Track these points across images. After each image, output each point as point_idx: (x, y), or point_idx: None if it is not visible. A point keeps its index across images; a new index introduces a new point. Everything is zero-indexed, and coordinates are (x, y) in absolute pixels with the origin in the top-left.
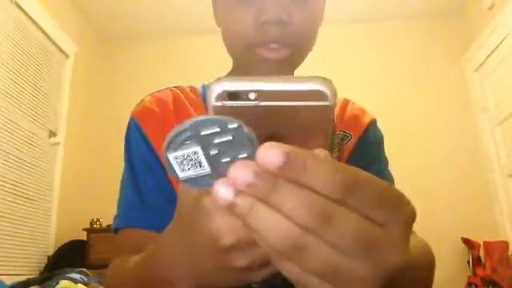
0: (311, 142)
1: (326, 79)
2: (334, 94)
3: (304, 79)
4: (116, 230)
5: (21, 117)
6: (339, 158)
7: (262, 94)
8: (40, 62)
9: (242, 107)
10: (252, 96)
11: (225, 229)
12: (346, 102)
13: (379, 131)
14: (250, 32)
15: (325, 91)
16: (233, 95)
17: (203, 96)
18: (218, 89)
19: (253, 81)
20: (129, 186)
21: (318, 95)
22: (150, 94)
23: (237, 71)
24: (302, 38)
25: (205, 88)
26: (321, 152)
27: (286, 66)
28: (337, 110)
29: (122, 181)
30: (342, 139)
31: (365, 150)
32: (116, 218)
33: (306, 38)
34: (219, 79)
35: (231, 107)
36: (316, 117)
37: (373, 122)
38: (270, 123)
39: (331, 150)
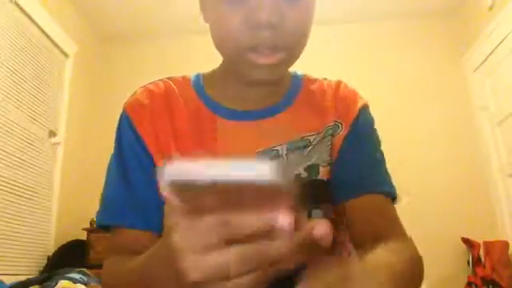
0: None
1: (268, 164)
2: (280, 173)
3: (248, 166)
4: (102, 226)
5: (21, 117)
6: (332, 149)
7: (212, 180)
8: (40, 61)
9: (194, 185)
10: (202, 180)
11: (192, 266)
12: (337, 86)
13: (370, 117)
14: (240, 35)
15: (269, 179)
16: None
17: (196, 87)
18: (166, 177)
19: (201, 167)
20: (118, 181)
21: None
22: (142, 86)
23: (227, 71)
24: (295, 40)
25: (199, 78)
26: (285, 216)
27: (278, 69)
28: (329, 95)
29: (110, 172)
30: (334, 130)
31: (355, 138)
32: (103, 213)
33: (298, 39)
34: (169, 164)
35: (184, 184)
36: (274, 190)
37: (363, 109)
38: (225, 196)
39: (300, 211)
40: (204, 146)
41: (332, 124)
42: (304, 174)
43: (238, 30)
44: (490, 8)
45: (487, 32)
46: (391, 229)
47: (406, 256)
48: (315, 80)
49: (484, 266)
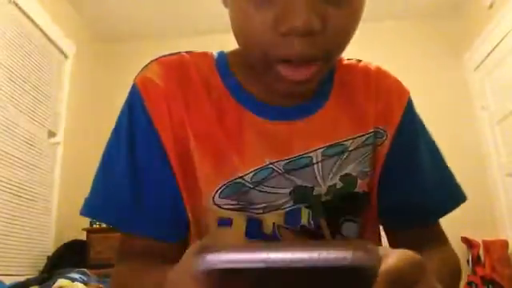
0: None
1: (361, 247)
2: (372, 263)
3: (328, 248)
4: (89, 216)
5: (20, 117)
6: (375, 161)
7: (270, 270)
8: (39, 62)
9: (242, 278)
10: (258, 269)
11: None
12: (377, 77)
13: (415, 111)
14: (268, 43)
15: (363, 267)
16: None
17: (220, 68)
18: (205, 265)
19: (257, 252)
20: (124, 177)
21: (353, 268)
22: (156, 60)
23: (251, 71)
24: (336, 50)
25: (223, 57)
26: None
27: (312, 83)
28: (368, 89)
29: (112, 159)
30: (376, 137)
31: (406, 148)
32: (99, 206)
33: (341, 48)
34: (214, 250)
35: (229, 278)
36: (353, 278)
37: (408, 104)
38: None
39: None
40: (229, 143)
41: (372, 131)
42: (340, 184)
43: (266, 37)
44: (490, 6)
45: (487, 31)
46: (435, 237)
47: (448, 265)
48: (348, 65)
49: (484, 266)
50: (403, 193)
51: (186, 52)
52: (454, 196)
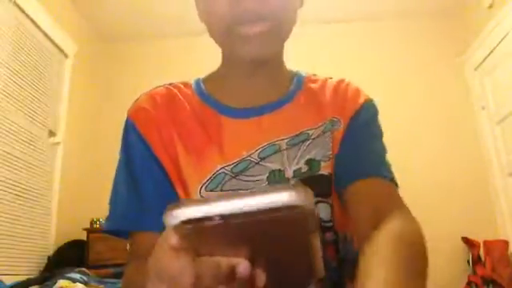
0: (294, 256)
1: (294, 188)
2: (305, 202)
3: (269, 192)
4: (109, 232)
5: (20, 117)
6: (333, 145)
7: (225, 216)
8: (40, 61)
9: (206, 227)
10: (216, 217)
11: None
12: (338, 83)
13: (373, 110)
14: (226, 11)
15: (294, 203)
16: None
17: (198, 90)
18: (174, 220)
19: (213, 203)
20: (126, 189)
21: (289, 207)
22: (144, 93)
23: (225, 70)
24: (280, 9)
25: (198, 81)
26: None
27: (269, 40)
28: (329, 91)
29: (117, 181)
30: (333, 125)
31: (354, 132)
32: (111, 219)
33: (284, 9)
34: (178, 206)
35: (194, 228)
36: (294, 227)
37: (365, 103)
38: (241, 238)
39: (319, 260)
40: (212, 142)
41: (330, 119)
42: (305, 168)
43: (224, 7)
44: (490, 6)
45: (487, 31)
46: (391, 205)
47: (408, 239)
48: (317, 79)
49: (484, 266)
50: (348, 162)
51: (169, 84)
52: (384, 168)
